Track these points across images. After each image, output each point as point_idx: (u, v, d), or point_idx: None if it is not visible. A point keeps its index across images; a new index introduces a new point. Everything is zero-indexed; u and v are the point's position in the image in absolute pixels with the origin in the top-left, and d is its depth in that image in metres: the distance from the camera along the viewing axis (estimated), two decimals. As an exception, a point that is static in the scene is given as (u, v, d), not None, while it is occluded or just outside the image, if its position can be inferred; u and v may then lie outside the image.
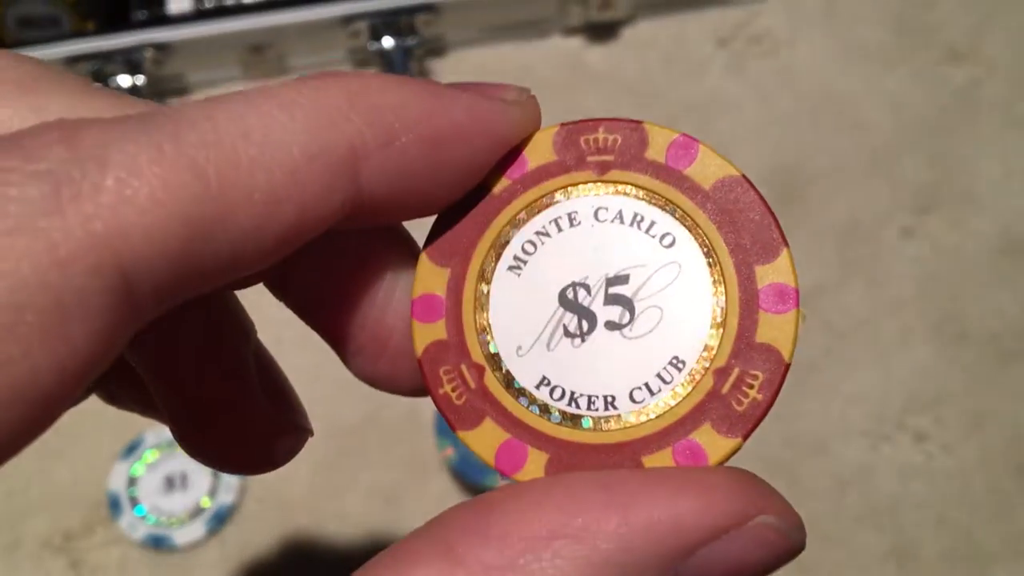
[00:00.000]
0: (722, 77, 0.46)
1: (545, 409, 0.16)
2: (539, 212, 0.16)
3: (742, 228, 0.16)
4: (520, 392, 0.16)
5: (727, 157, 0.16)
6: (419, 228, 0.17)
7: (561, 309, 0.16)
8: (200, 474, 0.39)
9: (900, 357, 0.41)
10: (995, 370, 0.41)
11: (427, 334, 0.16)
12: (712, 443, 0.15)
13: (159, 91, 0.46)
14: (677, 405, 0.15)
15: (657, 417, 0.15)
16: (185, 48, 0.44)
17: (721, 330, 0.15)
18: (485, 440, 0.15)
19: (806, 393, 0.41)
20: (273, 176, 0.13)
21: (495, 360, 0.16)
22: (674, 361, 0.15)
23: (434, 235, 0.16)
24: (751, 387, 0.15)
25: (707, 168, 0.16)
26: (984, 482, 0.40)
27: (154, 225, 0.12)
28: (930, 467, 0.40)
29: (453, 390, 0.16)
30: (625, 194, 0.16)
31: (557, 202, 0.16)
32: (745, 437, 0.15)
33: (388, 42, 0.44)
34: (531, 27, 0.47)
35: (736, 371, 0.15)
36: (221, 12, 0.44)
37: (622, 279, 0.16)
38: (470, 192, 0.16)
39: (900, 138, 0.45)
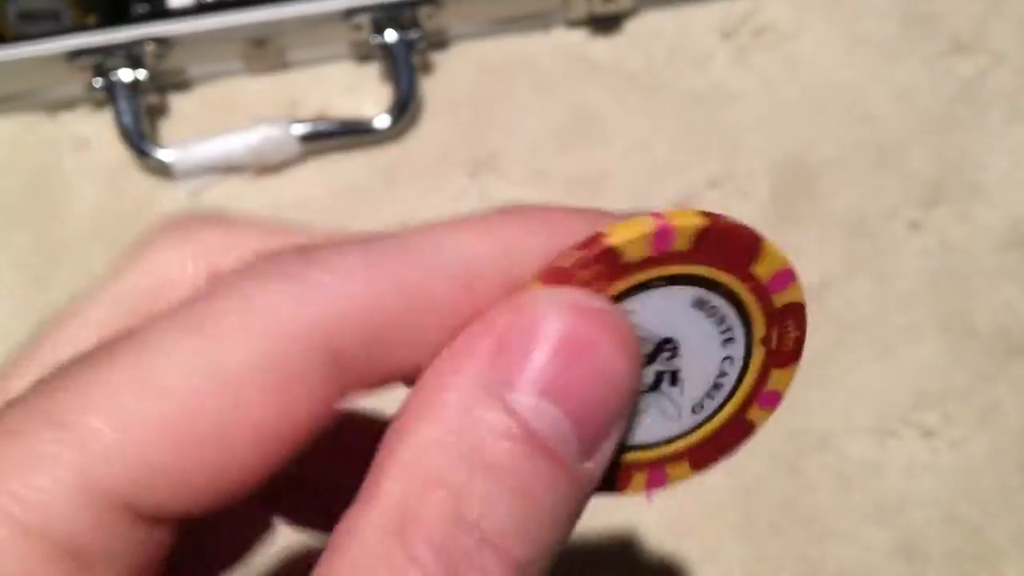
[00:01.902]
0: (727, 69, 0.46)
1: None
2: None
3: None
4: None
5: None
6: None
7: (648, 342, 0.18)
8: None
9: (907, 352, 0.41)
10: (1003, 365, 0.41)
11: None
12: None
13: (160, 85, 0.45)
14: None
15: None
16: (186, 42, 0.44)
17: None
18: None
19: (812, 388, 0.41)
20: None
21: None
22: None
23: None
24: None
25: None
26: (993, 478, 0.39)
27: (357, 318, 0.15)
28: (938, 463, 0.40)
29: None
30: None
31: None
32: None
33: (391, 35, 0.44)
34: (534, 20, 0.46)
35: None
36: (222, 5, 0.44)
37: (673, 349, 0.18)
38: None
39: (907, 130, 0.44)
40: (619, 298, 0.17)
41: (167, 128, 0.46)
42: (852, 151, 0.44)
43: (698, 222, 0.17)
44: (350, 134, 0.45)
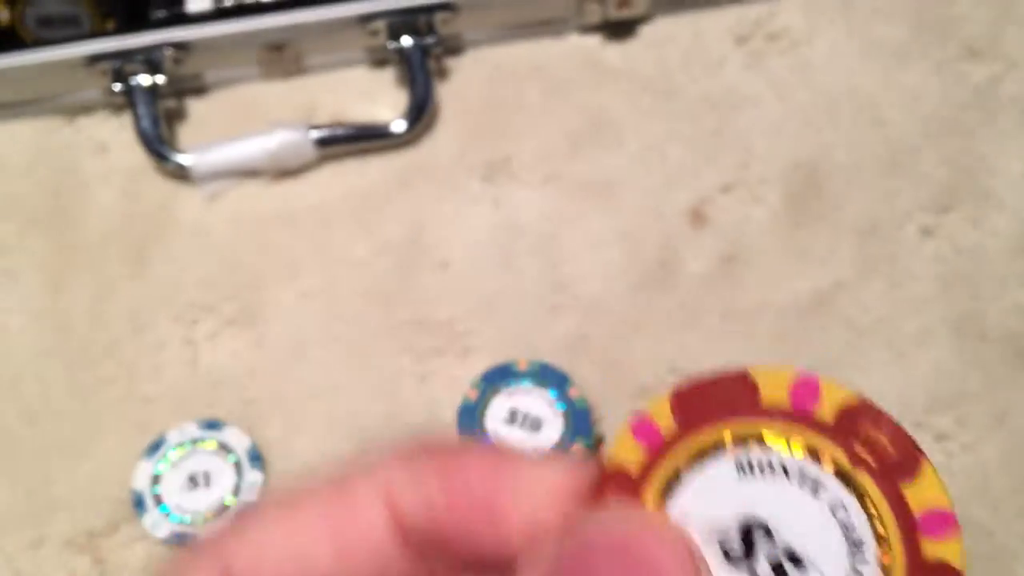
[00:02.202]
0: (740, 74, 0.46)
1: None
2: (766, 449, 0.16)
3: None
4: None
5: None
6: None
7: (736, 532, 0.15)
8: (223, 473, 0.39)
9: (920, 356, 0.41)
10: (1016, 369, 0.41)
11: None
12: None
13: (179, 90, 0.46)
14: None
15: None
16: (205, 47, 0.44)
17: None
18: None
19: (825, 392, 0.41)
20: None
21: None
22: None
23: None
24: None
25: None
26: (1005, 481, 0.39)
27: None
28: (951, 466, 0.40)
29: None
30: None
31: (767, 449, 0.16)
32: None
33: (407, 41, 0.44)
34: (549, 25, 0.47)
35: None
36: (240, 11, 0.44)
37: (797, 560, 0.15)
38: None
39: (919, 135, 0.45)
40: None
41: (185, 132, 0.46)
42: (865, 156, 0.45)
43: (846, 396, 0.15)
44: (366, 138, 0.45)
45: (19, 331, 0.43)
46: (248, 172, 0.45)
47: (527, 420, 0.39)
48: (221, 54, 0.45)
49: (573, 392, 0.40)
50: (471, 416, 0.39)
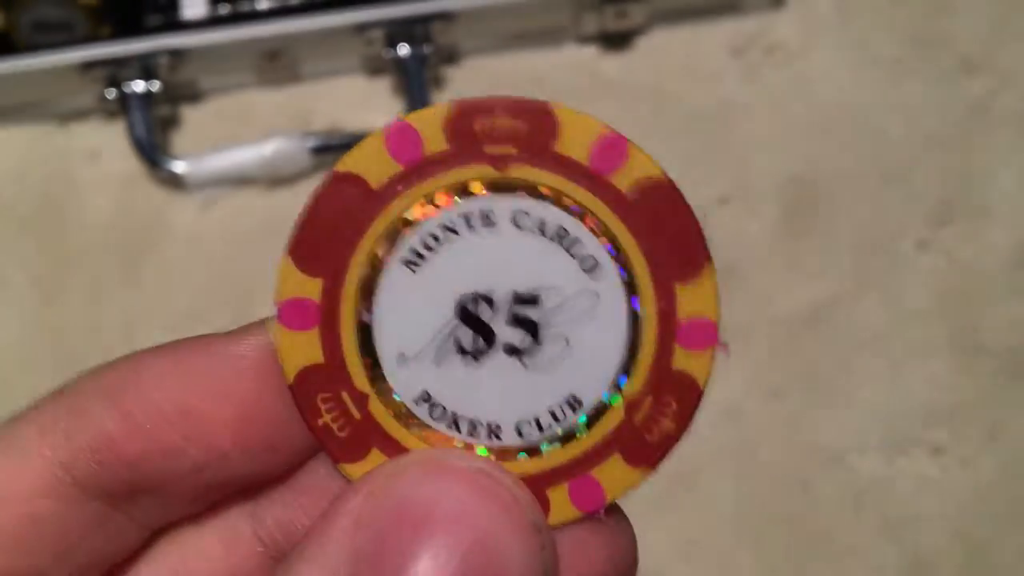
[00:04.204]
0: (736, 87, 0.46)
1: (422, 429, 0.14)
2: (443, 206, 0.14)
3: (667, 244, 0.14)
4: (405, 415, 0.14)
5: (653, 159, 0.14)
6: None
7: (457, 321, 0.14)
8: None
9: (916, 370, 0.41)
10: (1012, 383, 0.41)
11: (298, 352, 0.14)
12: (617, 475, 0.14)
13: (173, 97, 0.45)
14: (575, 443, 0.14)
15: (551, 455, 0.14)
16: (200, 54, 0.44)
17: (633, 365, 0.14)
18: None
19: (822, 404, 0.41)
20: None
21: (374, 365, 0.14)
22: (570, 399, 0.14)
23: (303, 234, 0.14)
24: (664, 416, 0.14)
25: (633, 172, 0.14)
26: (1002, 496, 0.39)
27: None
28: (947, 480, 0.40)
29: (334, 420, 0.14)
30: (547, 200, 0.14)
31: (470, 197, 0.14)
32: (654, 467, 0.14)
33: (403, 50, 0.44)
34: (545, 36, 0.47)
35: (649, 400, 0.14)
36: (236, 18, 0.44)
37: (532, 299, 0.14)
38: (348, 178, 0.14)
39: (915, 149, 0.45)
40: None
41: (179, 140, 0.46)
42: (861, 170, 0.45)
43: (443, 106, 0.13)
44: (362, 147, 0.45)
45: (9, 339, 0.43)
46: (242, 180, 0.44)
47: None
48: (216, 61, 0.45)
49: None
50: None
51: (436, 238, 0.14)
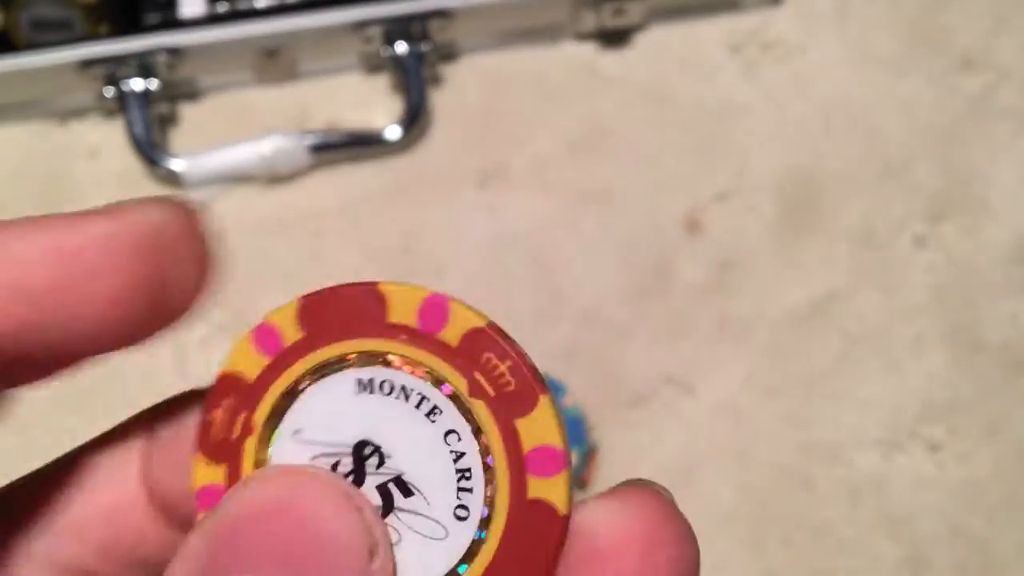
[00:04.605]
0: (735, 83, 0.46)
1: None
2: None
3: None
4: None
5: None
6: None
7: (349, 448, 0.15)
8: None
9: (913, 366, 0.41)
10: (1009, 379, 0.41)
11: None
12: None
13: (172, 95, 0.46)
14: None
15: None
16: (198, 52, 0.44)
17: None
18: None
19: (820, 400, 0.41)
20: None
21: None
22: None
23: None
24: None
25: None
26: (999, 491, 0.39)
27: None
28: (944, 476, 0.40)
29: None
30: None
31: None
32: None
33: (401, 47, 0.44)
34: (544, 33, 0.47)
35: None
36: (234, 16, 0.44)
37: (405, 486, 0.15)
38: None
39: (913, 145, 0.45)
40: (272, 420, 0.15)
41: (178, 138, 0.46)
42: (859, 166, 0.45)
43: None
44: (360, 145, 0.45)
45: (9, 336, 0.43)
46: (241, 178, 0.45)
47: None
48: (215, 59, 0.45)
49: (568, 400, 0.40)
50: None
51: (380, 386, 0.15)
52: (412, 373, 0.15)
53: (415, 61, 0.44)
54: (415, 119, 0.45)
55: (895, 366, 0.41)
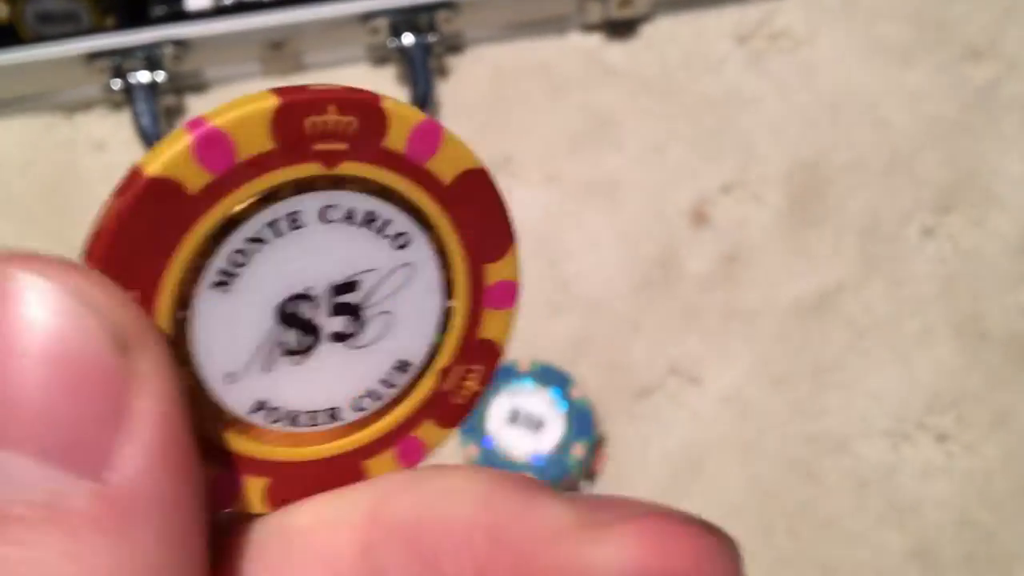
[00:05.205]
0: (741, 74, 0.46)
1: (259, 435, 0.14)
2: (252, 214, 0.13)
3: (478, 226, 0.14)
4: (229, 422, 0.14)
5: (469, 146, 0.14)
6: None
7: (280, 326, 0.13)
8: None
9: (921, 356, 0.41)
10: (1017, 369, 0.41)
11: None
12: (431, 435, 0.15)
13: (178, 87, 0.46)
14: (401, 407, 0.14)
15: (381, 421, 0.14)
16: (204, 44, 0.44)
17: (448, 331, 0.14)
18: None
19: (827, 391, 0.41)
20: None
21: (197, 392, 0.13)
22: (399, 364, 0.14)
23: (108, 246, 0.12)
24: (471, 380, 0.15)
25: (449, 159, 0.14)
26: (1006, 482, 0.39)
27: None
28: (952, 467, 0.40)
29: None
30: (357, 190, 0.13)
31: (276, 201, 0.13)
32: (458, 425, 0.15)
33: (408, 39, 0.44)
34: (550, 24, 0.47)
35: (459, 368, 0.15)
36: (240, 8, 0.44)
37: (350, 286, 0.14)
38: (156, 185, 0.12)
39: (920, 136, 0.45)
40: (213, 242, 0.12)
41: (184, 130, 0.46)
42: (866, 156, 0.44)
43: (266, 105, 0.12)
44: (367, 137, 0.45)
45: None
46: (248, 170, 0.45)
47: (529, 420, 0.39)
48: (221, 51, 0.45)
49: (575, 392, 0.40)
50: (472, 416, 0.39)
51: (242, 252, 0.13)
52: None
53: (421, 53, 0.44)
54: (422, 110, 0.44)
55: (902, 357, 0.41)
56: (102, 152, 0.46)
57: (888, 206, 0.44)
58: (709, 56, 0.47)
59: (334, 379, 0.14)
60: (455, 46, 0.47)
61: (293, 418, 0.14)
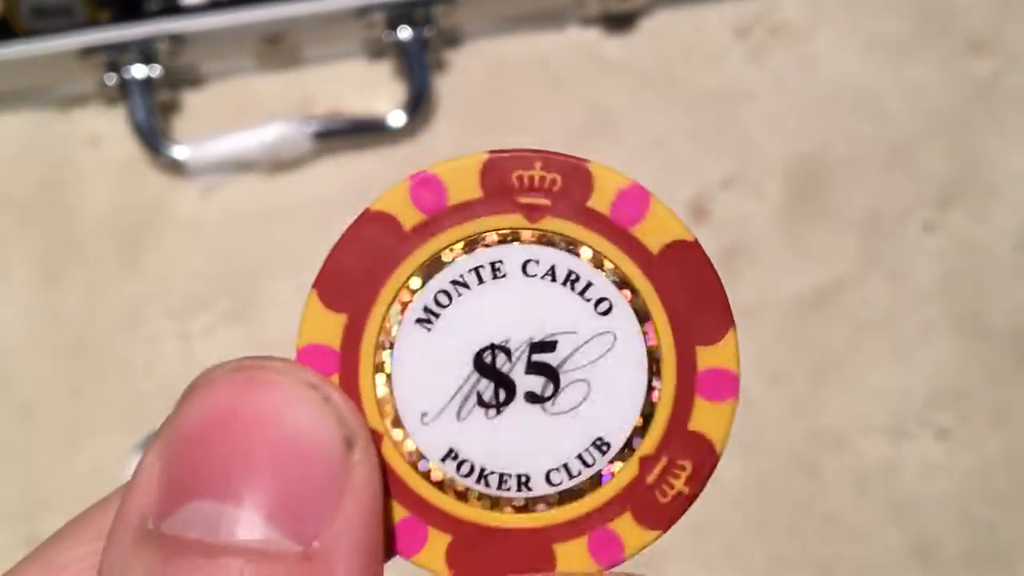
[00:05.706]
0: (741, 68, 0.46)
1: (451, 486, 0.14)
2: (457, 258, 0.14)
3: (688, 302, 0.14)
4: (422, 466, 0.14)
5: (678, 217, 0.14)
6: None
7: (476, 374, 0.14)
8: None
9: (922, 352, 0.41)
10: (1018, 365, 0.41)
11: None
12: (631, 534, 0.14)
13: (174, 82, 0.45)
14: (597, 491, 0.14)
15: (576, 502, 0.14)
16: (200, 39, 0.44)
17: (652, 414, 0.14)
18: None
19: (827, 387, 0.41)
20: None
21: (396, 427, 0.14)
22: (598, 443, 0.14)
23: (328, 271, 0.14)
24: (677, 478, 0.14)
25: (657, 227, 0.14)
26: (1008, 478, 0.39)
27: None
28: (952, 463, 0.40)
29: None
30: (560, 247, 0.14)
31: (480, 248, 0.14)
32: (665, 530, 0.14)
33: (404, 32, 0.44)
34: (548, 17, 0.46)
35: (664, 460, 0.14)
36: (236, 2, 0.44)
37: (548, 346, 0.14)
38: (377, 218, 0.14)
39: (921, 130, 0.44)
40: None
41: (180, 125, 0.46)
42: (867, 150, 0.44)
43: (478, 157, 0.13)
44: (364, 131, 0.44)
45: (11, 325, 0.43)
46: (244, 165, 0.44)
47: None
48: (217, 46, 0.44)
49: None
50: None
51: (447, 293, 0.14)
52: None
53: (418, 46, 0.44)
54: (419, 105, 0.44)
55: (903, 353, 0.41)
56: (97, 147, 0.45)
57: (889, 200, 0.43)
58: (708, 50, 0.46)
59: (526, 442, 0.14)
60: (452, 40, 0.46)
61: (482, 475, 0.14)
